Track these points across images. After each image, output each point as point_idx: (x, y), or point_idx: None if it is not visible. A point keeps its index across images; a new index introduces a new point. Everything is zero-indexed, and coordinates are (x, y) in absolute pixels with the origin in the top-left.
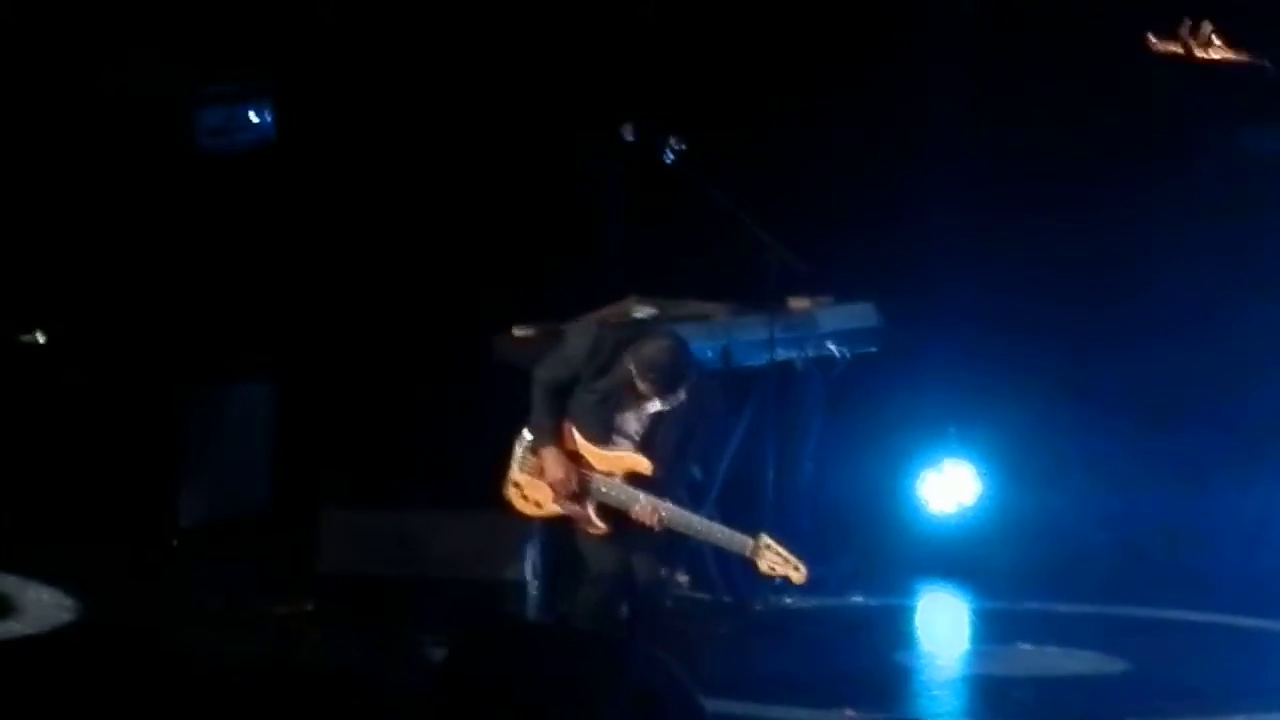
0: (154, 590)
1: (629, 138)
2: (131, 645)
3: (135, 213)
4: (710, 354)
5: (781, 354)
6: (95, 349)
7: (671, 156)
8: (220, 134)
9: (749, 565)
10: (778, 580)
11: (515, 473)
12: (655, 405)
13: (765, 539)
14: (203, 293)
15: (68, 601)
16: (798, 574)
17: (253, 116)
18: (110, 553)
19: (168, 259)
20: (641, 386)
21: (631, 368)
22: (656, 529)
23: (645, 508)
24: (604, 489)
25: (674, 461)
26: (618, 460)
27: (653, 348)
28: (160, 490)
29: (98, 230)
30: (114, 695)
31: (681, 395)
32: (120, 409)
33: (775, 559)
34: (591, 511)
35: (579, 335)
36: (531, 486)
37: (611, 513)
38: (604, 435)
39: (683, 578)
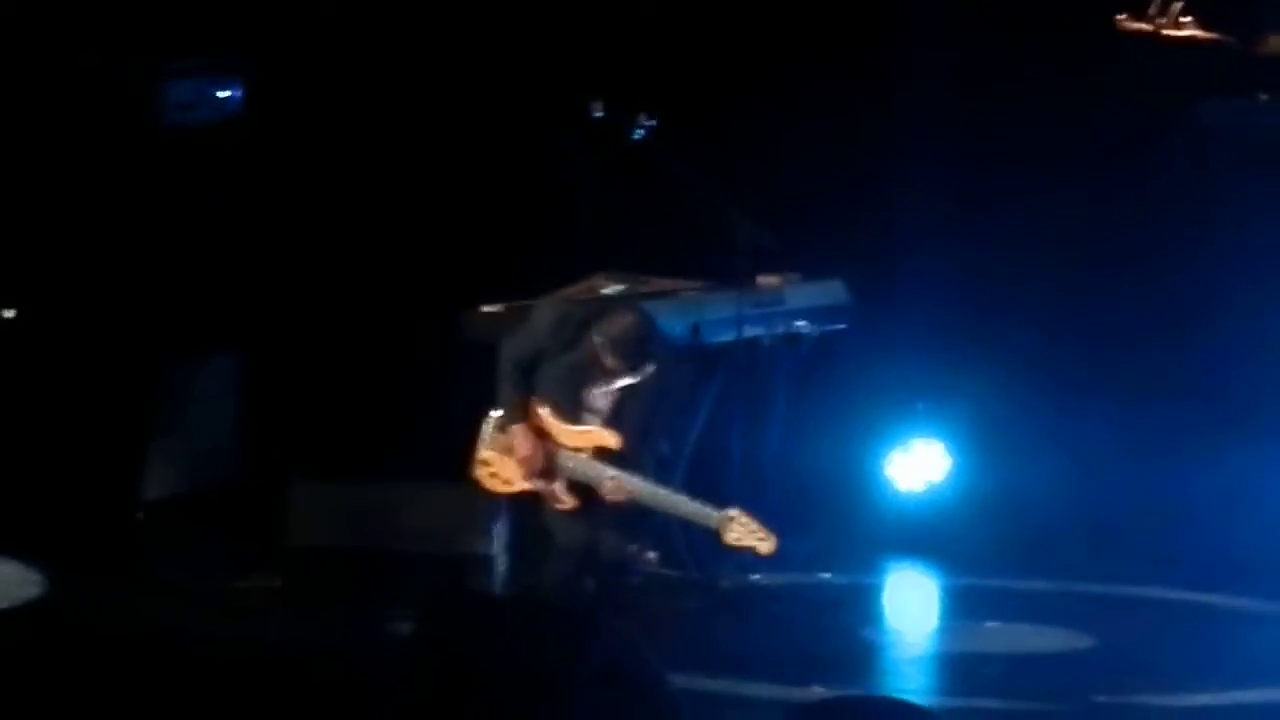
0: (120, 564)
1: (597, 114)
2: (97, 620)
3: (102, 188)
4: (679, 330)
5: (750, 331)
6: (61, 324)
7: (640, 133)
8: (188, 108)
9: (715, 537)
10: (744, 550)
11: (483, 451)
12: (622, 380)
13: (732, 511)
14: (170, 267)
15: (33, 576)
16: (765, 544)
17: (221, 91)
18: (75, 527)
19: (135, 234)
20: (607, 361)
21: (597, 342)
22: (625, 505)
23: (613, 485)
24: (572, 465)
25: (642, 436)
26: (586, 436)
27: (619, 323)
28: (126, 463)
29: (63, 206)
30: (80, 670)
31: (649, 369)
32: (86, 382)
33: (741, 530)
34: (560, 488)
35: (545, 311)
36: (500, 464)
37: (580, 488)
38: (571, 411)
39: (651, 554)
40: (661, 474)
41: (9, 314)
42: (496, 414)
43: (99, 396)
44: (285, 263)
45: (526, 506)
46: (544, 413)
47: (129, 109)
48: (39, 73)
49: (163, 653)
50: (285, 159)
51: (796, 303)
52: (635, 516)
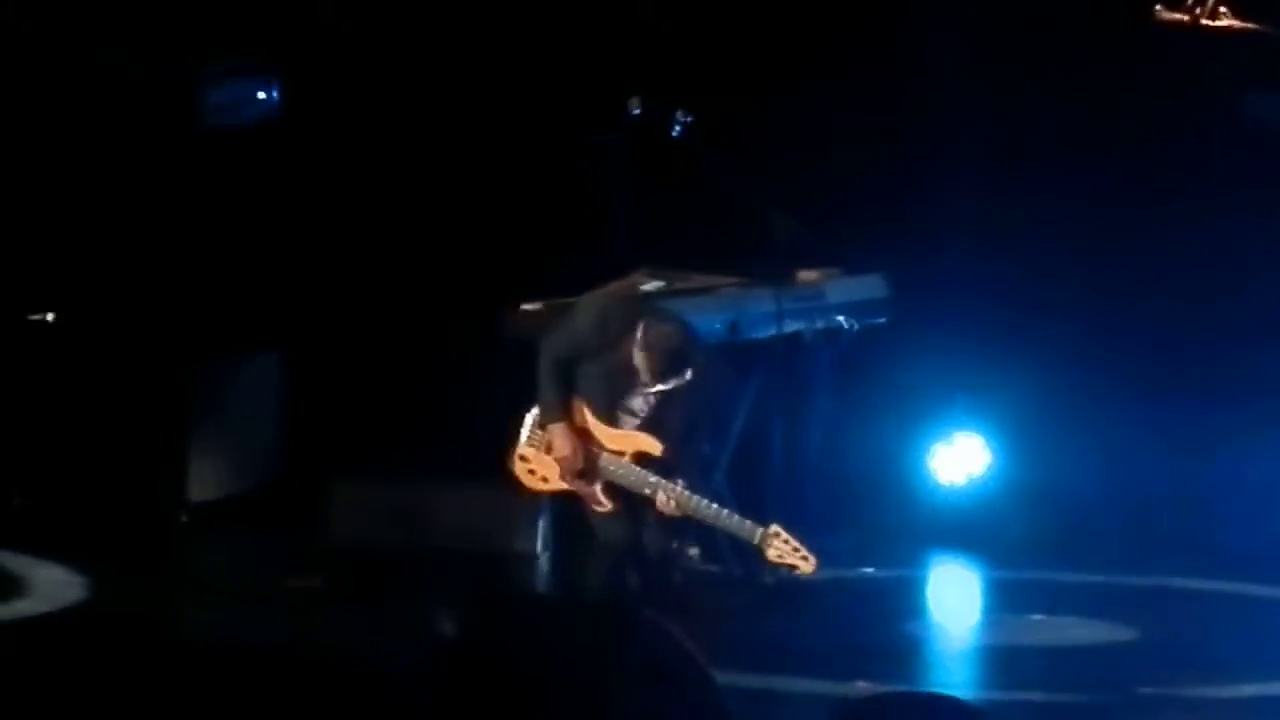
0: (164, 566)
1: (635, 111)
2: (142, 622)
3: (142, 190)
4: (718, 326)
5: (789, 326)
6: (104, 325)
7: (679, 129)
8: (226, 110)
9: (757, 555)
10: (784, 571)
11: (523, 447)
12: (662, 385)
13: (775, 528)
14: (211, 267)
15: (78, 579)
16: (806, 564)
17: (259, 93)
18: (120, 529)
19: (175, 235)
20: (645, 372)
21: (636, 355)
22: (675, 515)
23: (664, 499)
24: (612, 468)
25: (683, 442)
26: (627, 439)
27: (656, 335)
28: (170, 465)
29: (104, 208)
30: (125, 672)
31: (685, 377)
32: (129, 385)
33: (784, 548)
34: (598, 490)
35: (586, 309)
36: (539, 461)
37: (619, 491)
38: (611, 413)
39: (693, 550)
40: (703, 472)
41: (50, 317)
42: (536, 411)
43: (141, 398)
44: (325, 262)
45: (568, 504)
46: (585, 413)
47: (168, 112)
48: (79, 77)
49: (206, 653)
50: (324, 158)
51: (836, 297)
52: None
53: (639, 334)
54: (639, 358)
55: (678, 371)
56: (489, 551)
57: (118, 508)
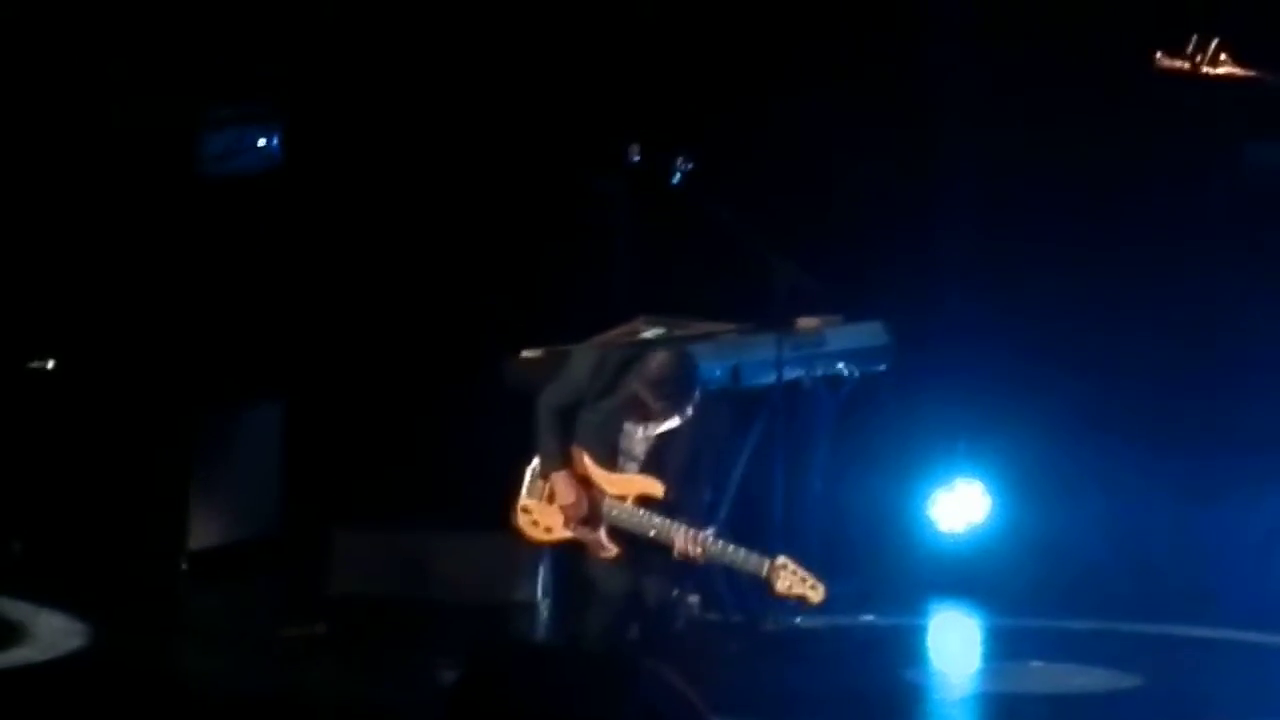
0: (164, 614)
1: (635, 158)
2: (142, 670)
3: (142, 238)
4: (719, 373)
5: (790, 373)
6: (104, 374)
7: (678, 176)
8: (226, 158)
9: (765, 586)
10: (793, 601)
11: (525, 498)
12: (664, 423)
13: (782, 559)
14: (212, 316)
15: (79, 627)
16: (815, 593)
17: (259, 141)
18: (120, 577)
19: (175, 283)
20: (649, 403)
21: (638, 385)
22: (699, 559)
23: (685, 539)
24: (615, 512)
25: (684, 483)
26: (629, 483)
27: (658, 362)
28: (170, 513)
29: (104, 256)
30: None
31: (690, 410)
32: (130, 433)
33: (792, 578)
34: (603, 535)
35: (581, 357)
36: (542, 511)
37: (623, 536)
38: (610, 457)
39: (693, 598)
40: (705, 518)
41: (50, 364)
42: (536, 462)
43: (142, 446)
44: (326, 311)
45: (569, 554)
46: (585, 460)
47: (168, 159)
48: (79, 125)
49: (206, 701)
50: (324, 206)
51: (837, 344)
52: (679, 561)
53: (642, 365)
54: (643, 390)
55: (682, 401)
56: (489, 601)
57: (119, 556)
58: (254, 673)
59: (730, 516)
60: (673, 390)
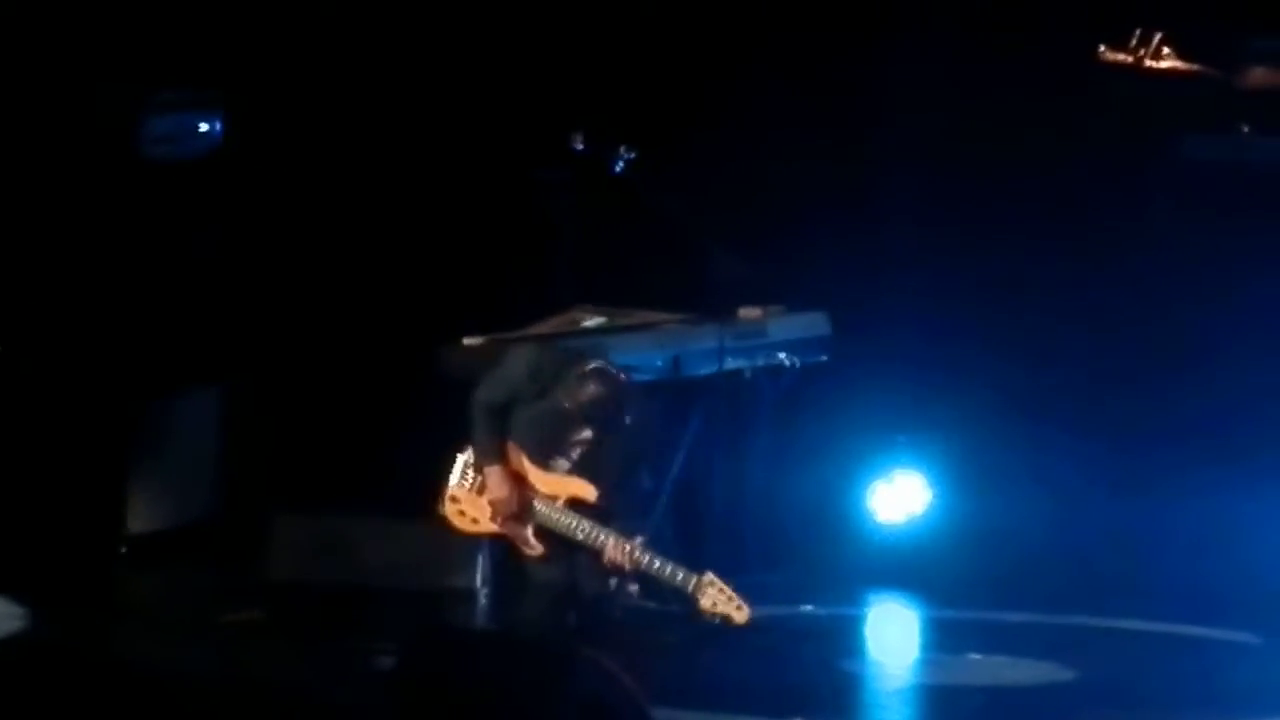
0: (102, 598)
1: (579, 146)
2: (80, 654)
3: (82, 223)
4: (659, 363)
5: (731, 363)
6: (42, 358)
7: (621, 165)
8: (168, 142)
9: (690, 603)
10: (717, 620)
11: (454, 488)
12: (597, 433)
13: (709, 576)
14: (151, 301)
15: (16, 610)
16: (740, 613)
17: (202, 125)
18: (58, 561)
19: (115, 269)
20: (576, 420)
21: (566, 407)
22: (626, 569)
23: (616, 548)
24: (545, 512)
25: (618, 488)
26: (562, 484)
27: (588, 393)
28: (109, 498)
29: (44, 241)
30: (63, 704)
31: (620, 428)
32: (68, 417)
33: (718, 596)
34: (529, 533)
35: (517, 357)
36: (470, 503)
37: (550, 535)
38: (544, 457)
39: (632, 587)
40: (640, 515)
41: None
42: (469, 452)
43: (81, 431)
44: (265, 297)
45: (505, 543)
46: (520, 457)
47: (110, 143)
48: (18, 108)
49: (144, 687)
50: (266, 192)
51: (778, 335)
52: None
53: (575, 385)
54: (572, 408)
55: (613, 421)
56: (428, 588)
57: (56, 540)
58: (192, 657)
59: (669, 506)
60: (601, 416)
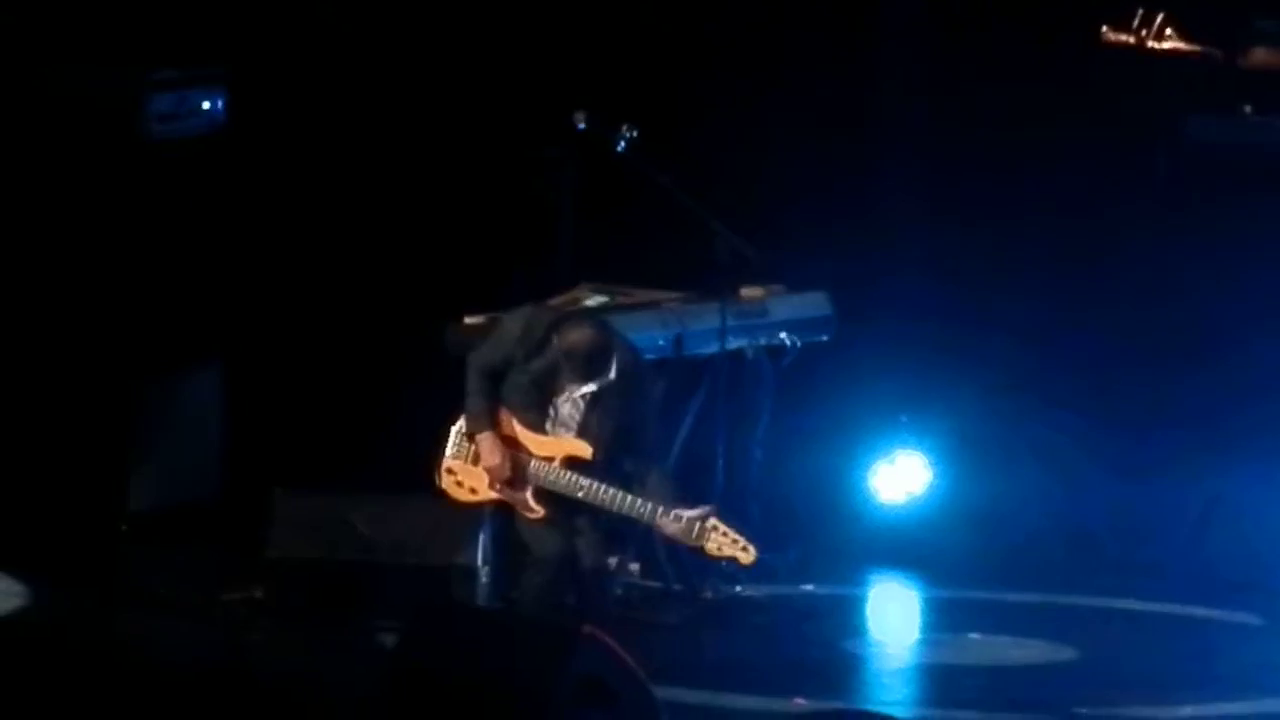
0: (104, 577)
1: (581, 126)
2: (81, 632)
3: (84, 200)
4: (662, 342)
5: (733, 342)
6: (44, 336)
7: (623, 144)
8: (170, 120)
9: (695, 549)
10: (725, 562)
11: (449, 460)
12: (588, 388)
13: (712, 520)
14: (153, 279)
15: (17, 588)
16: (746, 555)
17: (204, 103)
18: (60, 539)
19: (116, 246)
20: (565, 371)
21: (556, 352)
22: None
23: (604, 496)
24: (542, 473)
25: (612, 446)
26: (556, 445)
27: (573, 335)
28: (110, 475)
29: (46, 219)
30: (63, 682)
31: (608, 378)
32: (70, 395)
33: (722, 540)
34: (529, 496)
35: (511, 320)
36: (466, 473)
37: (550, 497)
38: (539, 420)
39: (633, 566)
40: (648, 457)
41: None
42: (463, 422)
43: (82, 409)
44: (268, 275)
45: (508, 519)
46: (513, 422)
47: (112, 121)
48: (21, 86)
49: (145, 664)
50: (268, 170)
51: (780, 314)
52: (614, 527)
53: (561, 334)
54: (560, 361)
55: (600, 370)
56: (429, 565)
57: (58, 518)
58: (193, 635)
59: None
60: (584, 362)
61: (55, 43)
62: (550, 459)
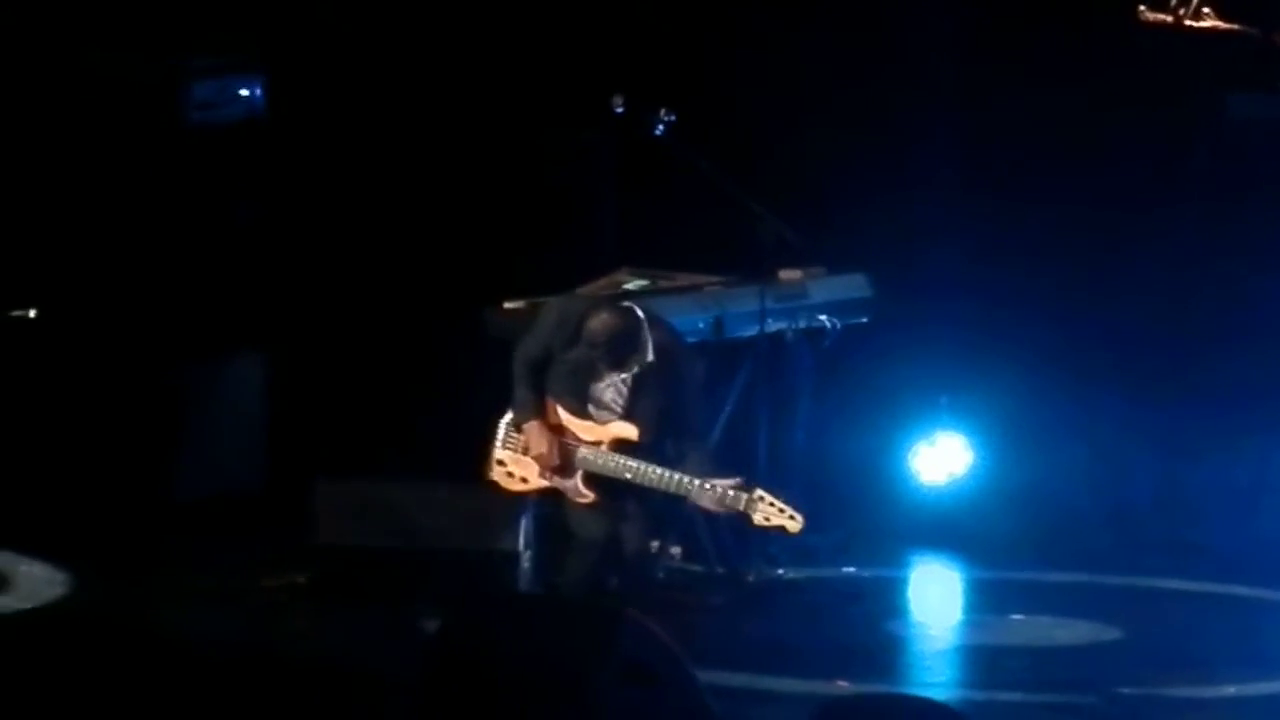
0: (147, 565)
1: (619, 109)
2: (124, 620)
3: (125, 188)
4: (702, 325)
5: (772, 325)
6: (88, 324)
7: (662, 128)
8: (210, 108)
9: (743, 520)
10: (774, 530)
11: (499, 451)
12: (626, 372)
13: (758, 491)
14: (195, 267)
15: (60, 576)
16: (794, 523)
17: (243, 90)
18: (103, 527)
19: (159, 234)
20: (599, 362)
21: (588, 344)
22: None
23: (656, 476)
24: (590, 458)
25: (657, 427)
26: (603, 429)
27: (593, 323)
28: (153, 464)
29: (88, 204)
30: (106, 670)
31: (642, 363)
32: (113, 384)
33: (769, 509)
34: (579, 481)
35: (550, 309)
36: (516, 463)
37: (599, 482)
38: (583, 406)
39: (675, 550)
40: (693, 435)
41: (32, 314)
42: (511, 414)
43: (125, 397)
44: (310, 262)
45: (552, 503)
46: (559, 410)
47: (152, 109)
48: (63, 75)
49: (188, 652)
50: (308, 157)
51: (819, 296)
52: (656, 510)
53: (584, 324)
54: (589, 345)
55: (631, 353)
56: (471, 551)
57: (101, 506)
58: (236, 624)
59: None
60: (614, 348)
61: (95, 30)
62: (598, 443)
